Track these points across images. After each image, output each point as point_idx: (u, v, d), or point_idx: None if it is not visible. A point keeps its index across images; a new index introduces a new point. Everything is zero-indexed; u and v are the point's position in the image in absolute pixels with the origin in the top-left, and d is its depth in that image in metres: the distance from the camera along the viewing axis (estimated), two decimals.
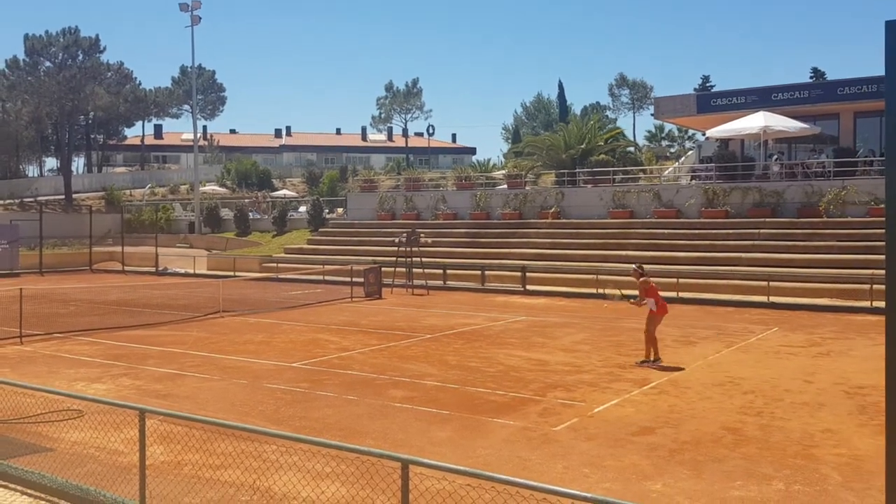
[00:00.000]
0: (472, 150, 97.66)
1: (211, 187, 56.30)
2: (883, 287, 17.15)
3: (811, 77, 71.72)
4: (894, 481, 3.52)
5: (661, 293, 24.31)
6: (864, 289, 21.50)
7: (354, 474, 7.39)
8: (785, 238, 26.41)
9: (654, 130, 76.39)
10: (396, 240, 27.43)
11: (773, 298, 22.13)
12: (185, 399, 11.17)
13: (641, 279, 13.88)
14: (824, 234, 25.87)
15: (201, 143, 68.39)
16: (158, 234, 40.93)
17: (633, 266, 14.81)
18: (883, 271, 17.44)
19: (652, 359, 13.30)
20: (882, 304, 19.17)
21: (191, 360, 14.28)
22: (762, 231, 27.11)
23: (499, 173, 41.20)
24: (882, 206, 25.66)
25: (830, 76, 67.45)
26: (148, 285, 29.59)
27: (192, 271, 34.95)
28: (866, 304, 20.77)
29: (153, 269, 36.41)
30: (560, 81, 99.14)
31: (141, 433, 6.54)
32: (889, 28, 3.58)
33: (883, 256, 17.40)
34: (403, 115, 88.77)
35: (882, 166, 29.13)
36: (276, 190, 59.13)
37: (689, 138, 72.82)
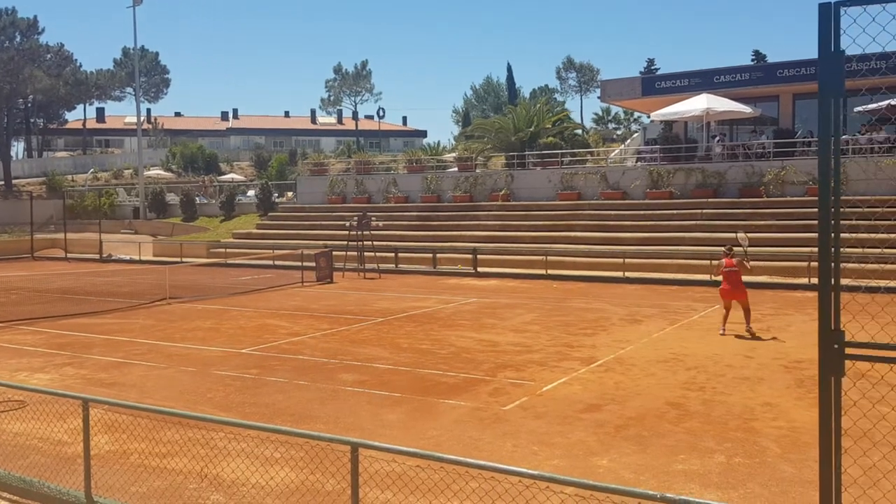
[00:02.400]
0: (423, 133, 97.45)
1: (156, 172, 55.19)
2: None
3: (752, 59, 73.15)
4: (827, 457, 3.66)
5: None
6: (802, 266, 22.13)
7: (304, 459, 7.40)
8: (727, 217, 26.98)
9: (600, 113, 77.25)
10: (348, 223, 27.29)
11: (715, 277, 22.61)
12: (132, 388, 11.00)
13: (735, 258, 14.80)
14: (765, 214, 26.52)
15: (145, 126, 66.80)
16: (102, 220, 40.00)
17: (724, 249, 15.58)
18: None
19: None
20: None
21: (137, 348, 14.05)
22: (705, 211, 27.67)
23: (449, 156, 41.18)
24: None
25: (771, 59, 68.97)
26: (92, 272, 28.93)
27: (137, 258, 34.28)
28: (804, 280, 21.39)
29: (97, 256, 35.58)
30: (509, 64, 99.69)
31: (85, 423, 6.44)
32: (822, 11, 3.69)
33: None
34: (353, 98, 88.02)
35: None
36: (224, 174, 58.25)
37: (635, 121, 73.84)
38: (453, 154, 40.38)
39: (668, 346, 13.28)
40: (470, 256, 26.83)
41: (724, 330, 14.36)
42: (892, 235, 23.32)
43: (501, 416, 9.08)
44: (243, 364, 12.42)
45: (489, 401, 9.79)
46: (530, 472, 4.30)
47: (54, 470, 7.28)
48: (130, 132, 68.44)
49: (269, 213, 38.91)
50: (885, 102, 28.68)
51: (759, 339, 13.91)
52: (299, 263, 25.36)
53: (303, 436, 5.37)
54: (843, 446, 3.95)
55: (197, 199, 43.80)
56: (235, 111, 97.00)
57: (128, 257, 34.80)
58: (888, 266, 21.30)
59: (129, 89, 68.04)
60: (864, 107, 29.86)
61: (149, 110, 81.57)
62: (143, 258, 34.11)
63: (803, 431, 8.25)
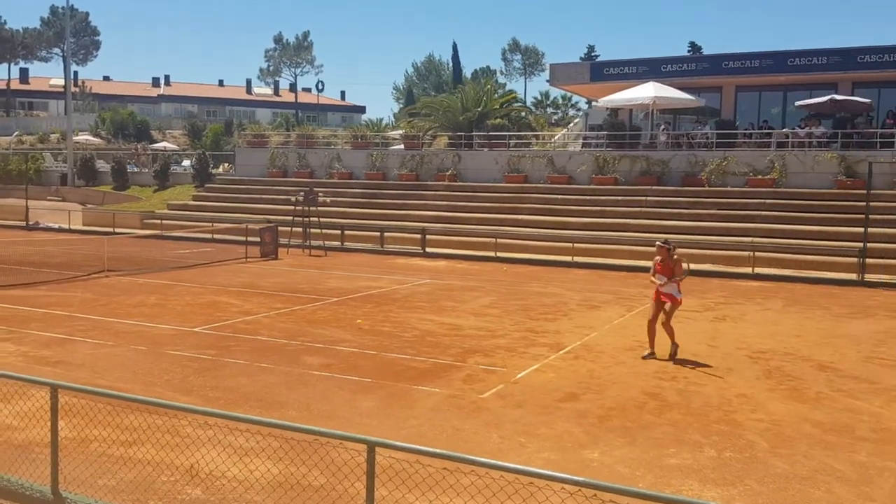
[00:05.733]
0: (362, 109, 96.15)
1: (84, 137, 52.79)
2: (764, 255, 17.94)
3: (689, 51, 74.49)
4: None
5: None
6: (745, 256, 22.58)
7: (281, 450, 6.98)
8: (670, 206, 27.34)
9: (539, 97, 77.44)
10: (293, 198, 26.54)
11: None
12: (81, 367, 10.33)
13: (675, 256, 11.38)
14: (706, 203, 26.94)
15: (73, 89, 63.84)
16: (28, 185, 37.96)
17: (659, 242, 11.65)
18: (763, 240, 18.28)
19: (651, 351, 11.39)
20: (764, 270, 19.97)
21: (79, 323, 13.27)
22: (649, 198, 27.96)
23: (394, 133, 40.57)
24: (759, 176, 27.19)
25: (707, 51, 70.33)
26: (19, 241, 27.41)
27: (66, 226, 32.69)
28: (748, 269, 21.81)
29: (23, 224, 33.79)
30: (454, 43, 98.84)
31: (53, 413, 5.89)
32: None
33: (761, 225, 18.36)
34: (293, 69, 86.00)
35: (760, 139, 30.74)
36: (156, 142, 56.13)
37: (573, 105, 74.33)
38: (399, 132, 39.77)
39: (631, 333, 13.25)
40: (418, 236, 26.48)
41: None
42: (829, 228, 24.16)
43: (480, 405, 8.83)
44: (198, 344, 11.84)
45: (464, 388, 9.53)
46: (568, 476, 4.04)
47: (7, 460, 6.70)
48: (56, 95, 65.44)
49: (206, 185, 37.62)
50: (826, 97, 29.52)
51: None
52: (241, 238, 24.55)
53: (314, 433, 4.97)
54: None
55: (129, 167, 42.05)
56: (167, 77, 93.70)
57: (56, 225, 33.16)
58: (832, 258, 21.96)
59: (56, 50, 64.82)
60: (804, 101, 30.66)
61: (76, 73, 77.90)
62: (72, 227, 32.55)
63: (784, 425, 8.27)
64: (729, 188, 27.66)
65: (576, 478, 3.91)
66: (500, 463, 4.25)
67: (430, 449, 4.55)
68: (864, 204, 21.66)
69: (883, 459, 7.25)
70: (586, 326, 13.85)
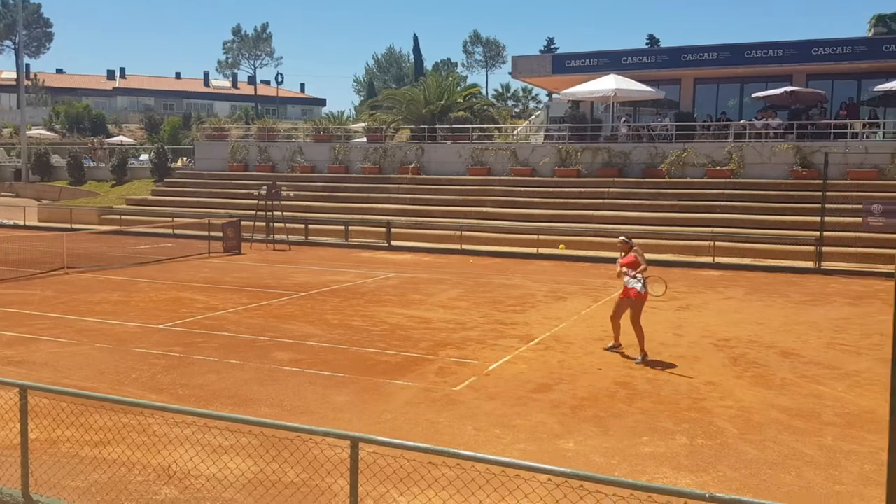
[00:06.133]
0: (322, 102, 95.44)
1: (38, 131, 51.52)
2: (724, 244, 18.22)
3: (647, 43, 75.29)
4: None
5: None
6: (705, 245, 22.94)
7: (254, 446, 6.95)
8: (631, 197, 27.64)
9: (500, 90, 77.64)
10: (256, 192, 26.24)
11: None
12: (44, 366, 10.12)
13: (633, 250, 11.02)
14: (667, 194, 27.28)
15: (25, 83, 62.22)
16: None
17: (623, 238, 11.26)
18: (723, 229, 18.48)
19: (614, 344, 11.22)
20: (724, 259, 20.22)
21: (41, 321, 12.98)
22: (611, 190, 28.22)
23: (357, 126, 40.34)
24: (718, 167, 27.64)
25: (665, 43, 71.18)
26: None
27: (21, 223, 31.91)
28: (709, 259, 22.16)
29: None
30: (415, 35, 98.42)
31: (23, 414, 5.77)
32: None
33: (720, 215, 18.61)
34: (252, 62, 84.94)
35: (718, 131, 31.24)
36: (112, 136, 55.05)
37: (534, 98, 74.69)
38: (362, 124, 39.56)
39: (599, 323, 13.38)
40: (383, 230, 26.40)
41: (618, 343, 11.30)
42: (786, 218, 24.66)
43: (454, 398, 8.85)
44: (164, 341, 11.67)
45: (437, 381, 9.54)
46: (555, 468, 4.08)
47: None
48: (8, 88, 63.73)
49: (166, 179, 37.04)
50: (781, 89, 30.11)
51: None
52: (203, 233, 24.21)
53: (295, 430, 4.93)
54: None
55: (85, 161, 41.17)
56: (123, 70, 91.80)
57: (11, 222, 32.33)
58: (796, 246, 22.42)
59: (7, 42, 63.07)
60: (760, 93, 31.22)
61: (28, 66, 75.95)
62: (27, 223, 31.79)
63: (753, 411, 8.43)
64: (688, 179, 28.05)
65: (563, 469, 3.95)
66: (483, 455, 4.28)
67: (415, 444, 4.55)
68: (820, 193, 22.14)
69: (849, 443, 7.45)
70: (554, 318, 13.96)
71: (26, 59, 71.75)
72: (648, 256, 12.35)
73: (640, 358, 10.69)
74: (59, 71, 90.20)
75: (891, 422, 3.37)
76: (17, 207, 33.28)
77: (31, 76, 77.61)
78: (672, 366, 10.47)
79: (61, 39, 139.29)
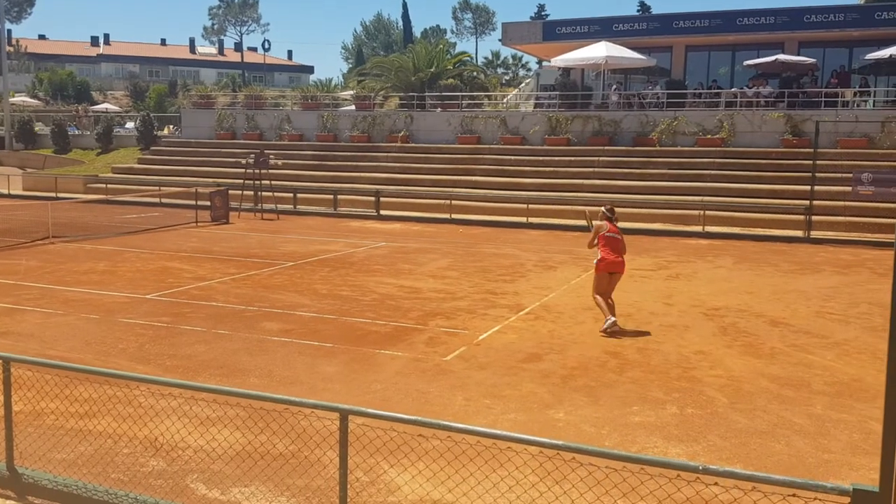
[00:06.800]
0: (310, 69, 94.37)
1: (21, 99, 50.78)
2: (714, 213, 18.16)
3: (638, 10, 74.70)
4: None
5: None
6: (695, 214, 22.91)
7: (241, 418, 6.87)
8: (622, 166, 27.50)
9: (490, 57, 77.03)
10: (244, 161, 25.96)
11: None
12: (30, 337, 10.01)
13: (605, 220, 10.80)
14: (657, 163, 27.17)
15: (6, 48, 61.10)
16: None
17: (604, 209, 11.03)
18: (713, 198, 18.46)
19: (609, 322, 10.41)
20: (713, 228, 20.18)
21: (26, 292, 12.84)
22: (601, 159, 28.06)
23: (345, 94, 39.91)
24: (709, 136, 27.55)
25: (656, 10, 70.63)
26: None
27: (5, 192, 31.54)
28: (698, 228, 22.15)
29: None
30: (404, 1, 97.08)
31: (6, 385, 5.68)
32: None
33: (710, 184, 18.50)
34: (238, 28, 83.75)
35: (709, 99, 31.07)
36: (97, 104, 54.33)
37: (524, 66, 74.12)
38: (350, 92, 39.14)
39: (589, 292, 13.25)
40: (372, 199, 26.23)
41: (613, 319, 10.40)
42: (776, 187, 24.65)
43: (444, 368, 8.81)
44: (151, 311, 11.56)
45: (427, 351, 9.50)
46: (546, 440, 4.03)
47: None
48: None
49: (152, 147, 36.58)
50: (772, 57, 29.92)
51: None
52: (191, 202, 23.98)
53: (285, 402, 4.87)
54: None
55: (70, 129, 40.61)
56: (107, 36, 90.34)
57: None
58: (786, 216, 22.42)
59: None
60: (752, 61, 31.04)
61: (10, 31, 74.55)
62: (11, 192, 31.43)
63: (743, 380, 8.44)
64: (679, 148, 27.92)
65: (555, 441, 3.90)
66: (474, 428, 4.23)
67: (406, 416, 4.49)
68: (810, 162, 22.10)
69: (838, 412, 7.47)
70: (544, 287, 13.92)
71: (7, 25, 70.46)
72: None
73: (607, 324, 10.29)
74: (42, 37, 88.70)
75: (887, 390, 3.33)
76: (0, 176, 32.85)
77: (13, 42, 76.16)
78: (662, 335, 10.46)
79: (44, 4, 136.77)
